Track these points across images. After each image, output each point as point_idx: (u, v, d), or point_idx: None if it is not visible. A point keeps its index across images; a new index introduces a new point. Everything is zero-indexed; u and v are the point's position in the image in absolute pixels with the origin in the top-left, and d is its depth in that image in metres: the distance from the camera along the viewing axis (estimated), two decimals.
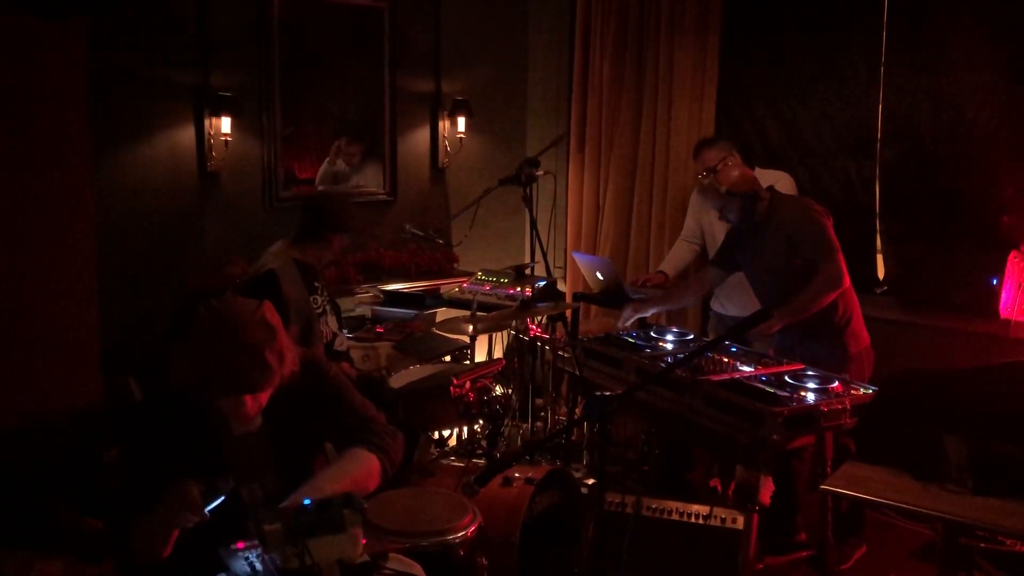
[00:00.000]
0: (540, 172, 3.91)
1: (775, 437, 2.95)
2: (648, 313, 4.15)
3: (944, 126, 4.14)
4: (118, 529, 2.12)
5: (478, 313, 3.69)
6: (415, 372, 3.96)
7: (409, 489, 2.86)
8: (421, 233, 4.64)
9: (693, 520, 3.05)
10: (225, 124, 4.75)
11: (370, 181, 5.54)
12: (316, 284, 3.79)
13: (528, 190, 3.80)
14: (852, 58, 4.47)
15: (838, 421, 3.05)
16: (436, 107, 5.72)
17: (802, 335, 3.61)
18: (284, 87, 5.04)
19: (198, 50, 4.72)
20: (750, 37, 4.92)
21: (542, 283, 4.49)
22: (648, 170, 5.24)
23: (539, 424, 4.39)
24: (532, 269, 4.04)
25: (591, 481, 3.66)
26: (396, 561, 2.21)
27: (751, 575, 3.08)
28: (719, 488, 3.97)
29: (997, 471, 2.56)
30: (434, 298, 5.04)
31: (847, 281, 3.59)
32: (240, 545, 2.03)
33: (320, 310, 3.73)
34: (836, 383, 3.23)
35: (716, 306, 4.54)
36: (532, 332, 4.30)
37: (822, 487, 2.77)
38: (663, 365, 3.54)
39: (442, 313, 4.85)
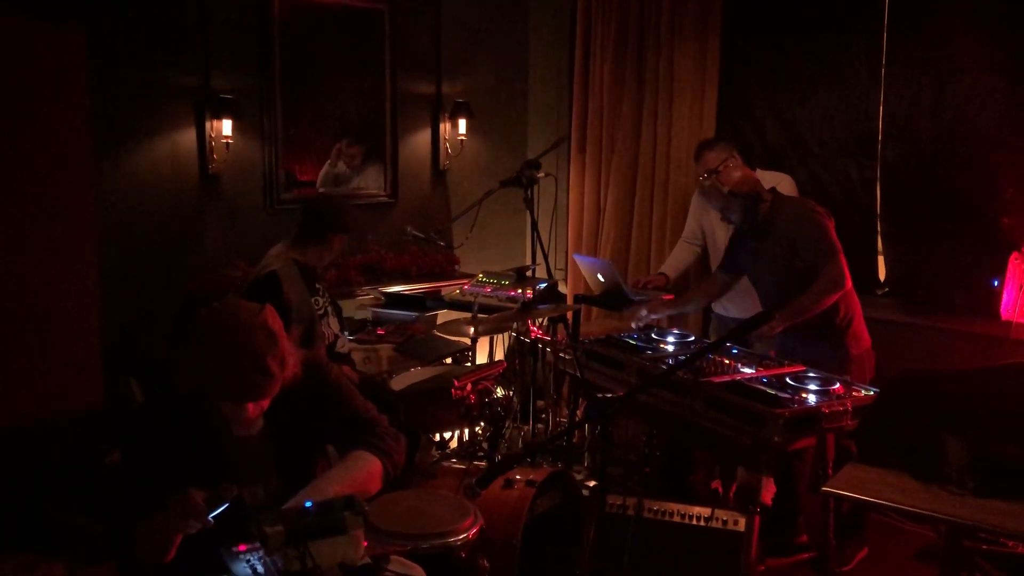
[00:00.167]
0: (541, 174, 3.91)
1: (776, 439, 2.94)
2: (661, 316, 4.16)
3: (945, 127, 4.14)
4: (120, 532, 2.12)
5: (479, 315, 3.69)
6: (416, 374, 3.97)
7: (410, 491, 2.85)
8: (422, 235, 4.63)
9: (694, 522, 3.05)
10: (226, 126, 4.75)
11: (371, 183, 5.55)
12: (317, 286, 3.79)
13: (529, 192, 3.80)
14: (853, 59, 4.47)
15: (839, 423, 3.05)
16: (437, 109, 5.72)
17: (804, 337, 3.61)
18: (285, 89, 5.04)
19: (199, 52, 4.73)
20: (750, 38, 4.92)
21: (543, 285, 4.49)
22: (649, 172, 5.24)
23: (540, 426, 4.39)
24: (533, 271, 4.04)
25: (592, 483, 3.66)
26: (397, 563, 2.21)
27: None
28: (720, 490, 3.97)
29: (998, 472, 2.56)
30: (435, 300, 5.04)
31: (849, 282, 3.59)
32: (242, 547, 2.03)
33: (321, 312, 3.73)
34: (837, 385, 3.23)
35: (717, 308, 4.54)
36: (533, 334, 4.30)
37: (823, 489, 2.77)
38: (664, 367, 3.53)
39: (443, 315, 4.85)
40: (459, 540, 2.53)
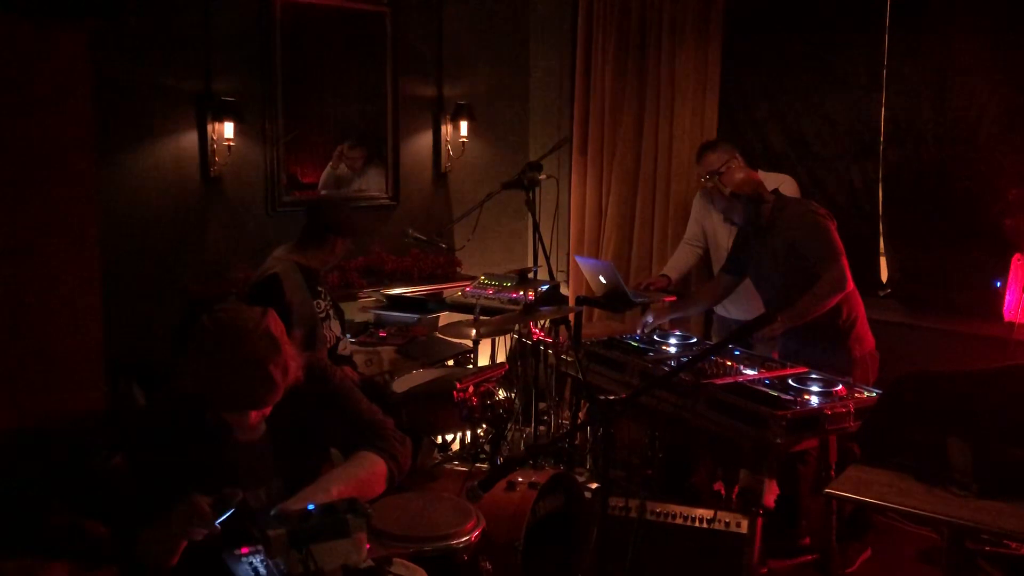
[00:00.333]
0: (542, 176, 3.90)
1: (779, 440, 2.94)
2: (667, 320, 4.15)
3: (947, 128, 4.13)
4: (123, 536, 2.11)
5: (481, 317, 3.69)
6: (418, 376, 3.96)
7: (413, 494, 2.85)
8: (424, 237, 4.63)
9: (697, 524, 3.05)
10: (228, 129, 4.75)
11: (373, 185, 5.55)
12: (319, 288, 3.79)
13: (531, 194, 3.80)
14: (854, 61, 4.47)
15: (842, 424, 3.05)
16: (438, 111, 5.72)
17: (807, 338, 3.61)
18: (286, 92, 5.05)
19: (201, 55, 4.73)
20: (752, 40, 4.92)
21: (545, 287, 4.49)
22: (650, 173, 5.24)
23: (542, 428, 4.39)
24: (535, 273, 4.04)
25: (595, 485, 3.65)
26: (400, 566, 2.21)
27: None
28: (723, 492, 3.96)
29: (1001, 474, 2.56)
30: (437, 302, 5.04)
31: (851, 284, 3.59)
32: (244, 550, 2.03)
33: (323, 314, 3.73)
34: (840, 386, 3.22)
35: (720, 309, 4.54)
36: (535, 336, 4.30)
37: (826, 491, 2.76)
38: (666, 369, 3.53)
39: (445, 317, 4.85)
40: (461, 543, 2.53)
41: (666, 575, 3.03)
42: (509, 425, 4.08)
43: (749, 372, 3.42)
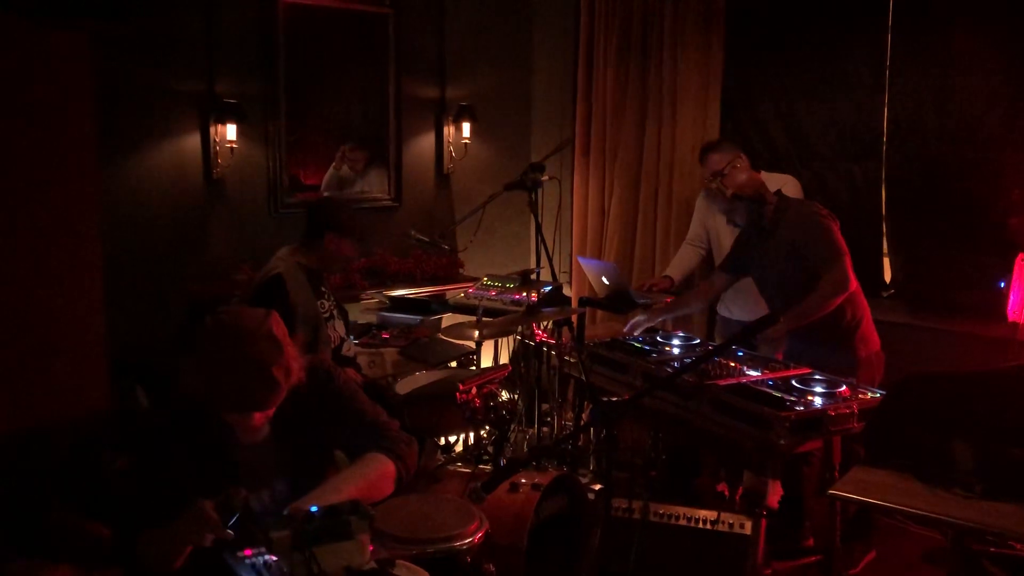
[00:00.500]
0: (545, 177, 3.90)
1: (782, 442, 2.93)
2: (657, 321, 4.14)
3: (950, 128, 4.13)
4: (126, 538, 2.11)
5: (484, 318, 3.69)
6: (421, 378, 3.96)
7: (416, 495, 2.84)
8: (426, 239, 4.63)
9: (701, 525, 3.04)
10: (230, 131, 4.76)
11: (375, 187, 5.55)
12: (323, 289, 3.79)
13: (533, 195, 3.80)
14: (857, 61, 4.46)
15: (846, 425, 3.03)
16: (441, 113, 5.73)
17: (811, 339, 3.60)
18: (289, 94, 5.05)
19: (204, 57, 4.74)
20: (754, 40, 4.91)
21: (548, 288, 4.49)
22: (653, 174, 5.23)
23: (545, 430, 4.38)
24: (538, 274, 4.05)
25: (598, 487, 3.65)
26: (403, 568, 2.21)
27: None
28: (726, 493, 3.95)
29: (1006, 475, 2.55)
30: (440, 304, 5.04)
31: (854, 285, 3.58)
32: (247, 552, 2.03)
33: (327, 315, 3.73)
34: (844, 387, 3.21)
35: (722, 310, 4.53)
36: (538, 337, 4.29)
37: (830, 492, 2.76)
38: (670, 370, 3.53)
39: (448, 319, 4.85)
40: (464, 544, 2.53)
41: None
42: (512, 427, 4.08)
43: (752, 373, 3.41)
